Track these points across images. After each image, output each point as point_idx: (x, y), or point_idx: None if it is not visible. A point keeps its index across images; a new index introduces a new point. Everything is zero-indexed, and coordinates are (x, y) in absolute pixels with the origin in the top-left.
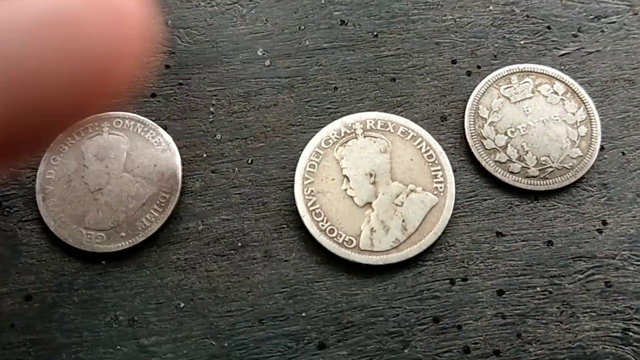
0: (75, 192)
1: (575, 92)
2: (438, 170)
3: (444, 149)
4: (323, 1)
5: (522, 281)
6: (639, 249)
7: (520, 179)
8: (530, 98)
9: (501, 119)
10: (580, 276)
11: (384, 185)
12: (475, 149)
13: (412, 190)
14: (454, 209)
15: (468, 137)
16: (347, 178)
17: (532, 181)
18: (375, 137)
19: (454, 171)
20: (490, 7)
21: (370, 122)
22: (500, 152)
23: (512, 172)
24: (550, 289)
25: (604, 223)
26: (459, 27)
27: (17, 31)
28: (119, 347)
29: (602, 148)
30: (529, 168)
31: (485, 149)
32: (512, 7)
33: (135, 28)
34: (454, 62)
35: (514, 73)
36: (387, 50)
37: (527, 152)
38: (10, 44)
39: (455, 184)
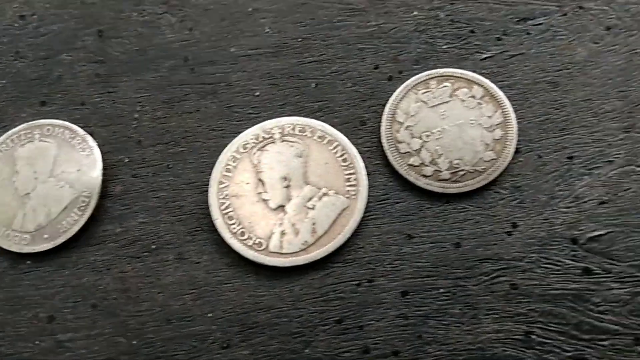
0: (6, 196)
1: (493, 95)
2: (352, 173)
3: (361, 153)
4: (250, 9)
5: (426, 283)
6: (548, 251)
7: (431, 182)
8: (447, 102)
9: (417, 123)
10: (485, 278)
11: (298, 189)
12: (389, 152)
13: (324, 194)
14: (365, 212)
15: (383, 140)
16: (262, 182)
17: (444, 184)
18: (293, 142)
19: (369, 175)
20: (415, 12)
21: (289, 127)
22: (414, 155)
23: (424, 175)
24: (454, 291)
25: (514, 225)
26: (382, 32)
27: None
28: (37, 342)
29: (517, 151)
30: (441, 171)
31: (400, 152)
32: (437, 12)
33: None
34: (376, 67)
35: (433, 77)
36: (311, 56)
37: (440, 155)
38: None
39: (369, 187)
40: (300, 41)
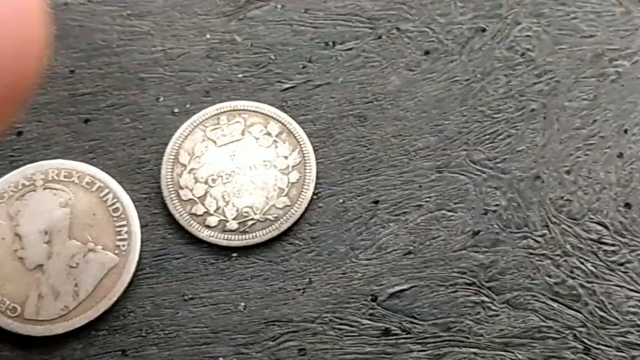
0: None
1: (291, 132)
2: (123, 225)
3: (136, 201)
4: None
5: (204, 351)
6: (343, 310)
7: (216, 233)
8: (239, 140)
9: (203, 165)
10: (271, 343)
11: (60, 245)
12: (169, 200)
13: (90, 250)
14: (138, 270)
15: (163, 186)
16: (19, 237)
17: (230, 236)
18: (57, 189)
19: (145, 226)
20: (208, 36)
21: (53, 172)
22: (197, 203)
23: (208, 226)
24: (235, 359)
25: (309, 282)
26: (169, 59)
27: None
28: None
29: (316, 196)
30: (227, 221)
31: (182, 200)
32: (232, 35)
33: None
34: (158, 99)
35: (224, 112)
36: (84, 87)
37: (227, 202)
38: None
39: (143, 241)
40: (72, 70)
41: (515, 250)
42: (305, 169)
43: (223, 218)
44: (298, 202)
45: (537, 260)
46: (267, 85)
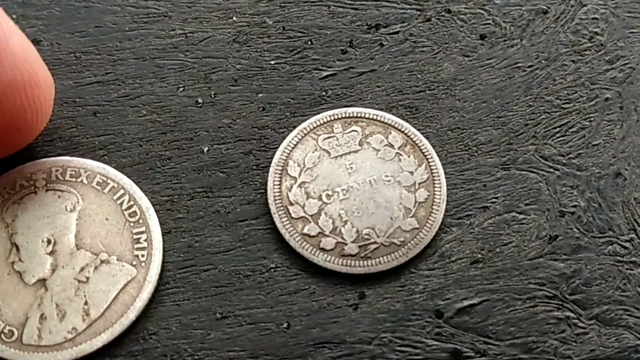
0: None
1: (416, 144)
2: (142, 232)
3: (158, 204)
4: (15, 16)
5: None
6: (405, 329)
7: (333, 257)
8: (356, 152)
9: (316, 178)
10: None
11: (66, 256)
12: (277, 217)
13: (103, 261)
14: (160, 285)
15: (270, 202)
16: (17, 247)
17: (349, 261)
18: (62, 191)
19: (167, 233)
20: (234, 18)
21: (57, 171)
22: (310, 222)
23: (323, 249)
24: None
25: (362, 296)
26: (190, 44)
27: None
28: None
29: None
30: (346, 244)
31: (292, 217)
32: (263, 18)
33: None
34: (179, 89)
35: (338, 119)
36: (92, 75)
37: (345, 223)
38: None
39: (166, 251)
40: (79, 56)
41: (600, 258)
42: (434, 187)
43: (341, 240)
44: (427, 225)
45: (627, 269)
46: (303, 73)
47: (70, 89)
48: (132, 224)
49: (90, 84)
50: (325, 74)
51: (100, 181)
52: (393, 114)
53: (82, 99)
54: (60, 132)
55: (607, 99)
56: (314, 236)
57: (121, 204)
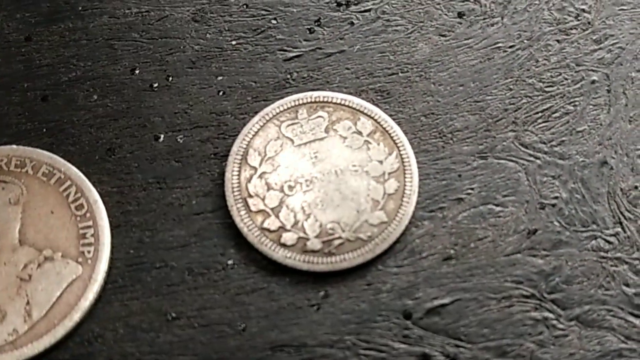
0: None
1: (387, 131)
2: (89, 227)
3: (107, 196)
4: None
5: None
6: (370, 331)
7: (294, 254)
8: (322, 139)
9: (277, 168)
10: None
11: (8, 252)
12: (235, 210)
13: (47, 258)
14: (108, 283)
15: (227, 193)
16: None
17: (312, 258)
18: (5, 182)
19: (116, 227)
20: None
21: (1, 161)
22: (270, 216)
23: (284, 245)
24: None
25: (325, 295)
26: (146, 23)
27: None
28: None
29: None
30: (308, 239)
31: (250, 210)
32: None
33: None
34: (134, 71)
35: (303, 104)
36: (42, 58)
37: (308, 216)
38: None
39: (114, 247)
40: (29, 38)
41: (582, 254)
42: (405, 177)
43: (303, 235)
44: (397, 219)
45: (611, 266)
46: (267, 55)
47: (19, 73)
48: (78, 218)
49: (39, 67)
50: (291, 55)
51: (47, 172)
52: (363, 99)
53: (30, 84)
54: (7, 119)
55: (593, 82)
56: (274, 231)
57: (67, 196)
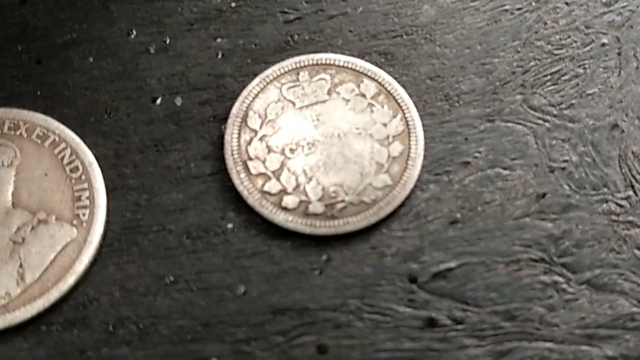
0: None
1: (391, 93)
2: (84, 189)
3: (103, 159)
4: None
5: (191, 350)
6: (374, 295)
7: (296, 218)
8: (324, 102)
9: (278, 131)
10: (280, 339)
11: (1, 215)
12: (235, 173)
13: (40, 221)
14: (103, 246)
15: (227, 156)
16: None
17: (314, 222)
18: None
19: (113, 190)
20: None
21: None
22: (271, 179)
23: (285, 209)
24: None
25: (327, 259)
26: None
27: None
28: None
29: None
30: (310, 202)
31: (251, 174)
32: None
33: None
34: (130, 34)
35: (305, 66)
36: (37, 21)
37: (310, 179)
38: None
39: (110, 209)
40: (22, 2)
41: (593, 217)
42: (410, 140)
43: (304, 199)
44: (401, 182)
45: (623, 229)
46: (267, 17)
47: (14, 36)
48: (73, 180)
49: (34, 30)
50: (292, 17)
51: (41, 134)
52: (366, 61)
53: (25, 46)
54: (2, 82)
55: (603, 45)
56: (275, 194)
57: (62, 158)
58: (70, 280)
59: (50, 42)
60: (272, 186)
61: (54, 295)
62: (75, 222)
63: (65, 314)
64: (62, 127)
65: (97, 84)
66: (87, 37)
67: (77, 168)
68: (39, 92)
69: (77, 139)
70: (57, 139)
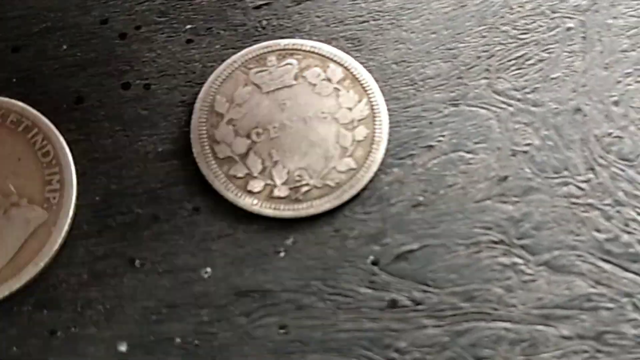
0: None
1: (356, 78)
2: (55, 173)
3: (74, 143)
4: None
5: (157, 330)
6: (336, 277)
7: (260, 202)
8: (290, 87)
9: (245, 115)
10: (243, 320)
11: None
12: (202, 157)
13: (12, 204)
14: (73, 229)
15: (194, 140)
16: None
17: (279, 205)
18: None
19: (83, 175)
20: None
21: None
22: (237, 162)
23: (250, 192)
24: (197, 341)
25: (292, 242)
26: None
27: None
28: None
29: None
30: (275, 186)
31: (217, 157)
32: None
33: None
34: (104, 21)
35: (272, 51)
36: (14, 9)
37: (275, 163)
38: None
39: (80, 193)
40: None
41: (553, 200)
42: (374, 124)
43: (270, 182)
44: (365, 165)
45: (582, 212)
46: (236, 2)
47: None
48: (44, 165)
49: (11, 19)
50: (260, 3)
51: (15, 120)
52: (333, 47)
53: (1, 34)
54: None
55: (568, 29)
56: (241, 177)
57: (34, 143)
58: (41, 262)
59: (26, 30)
60: (238, 169)
61: (25, 277)
62: (46, 205)
63: (35, 295)
64: (35, 113)
65: (70, 71)
66: (61, 25)
67: (48, 153)
68: (14, 80)
69: (50, 125)
70: (30, 124)
